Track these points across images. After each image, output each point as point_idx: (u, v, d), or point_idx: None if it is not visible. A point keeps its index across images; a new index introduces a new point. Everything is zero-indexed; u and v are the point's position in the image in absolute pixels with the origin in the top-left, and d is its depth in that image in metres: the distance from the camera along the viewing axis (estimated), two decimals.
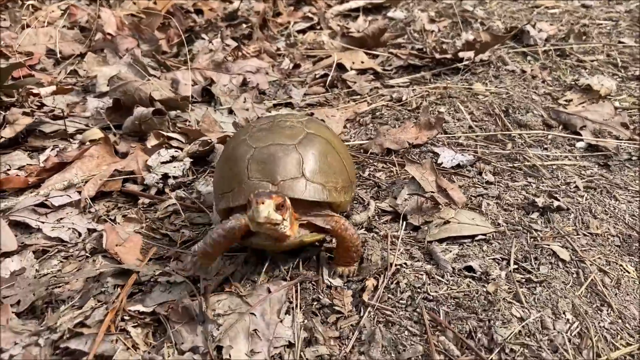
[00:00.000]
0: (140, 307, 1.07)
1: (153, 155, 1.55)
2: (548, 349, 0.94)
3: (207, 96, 2.00)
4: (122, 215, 1.40)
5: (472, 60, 2.20)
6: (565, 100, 1.92)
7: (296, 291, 1.10)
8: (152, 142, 1.61)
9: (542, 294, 1.07)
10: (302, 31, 2.85)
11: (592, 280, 1.11)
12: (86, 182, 1.48)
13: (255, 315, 1.02)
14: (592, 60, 2.31)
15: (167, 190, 1.49)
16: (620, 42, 2.54)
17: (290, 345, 0.98)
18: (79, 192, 1.45)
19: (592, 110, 1.77)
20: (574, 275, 1.13)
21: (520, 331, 0.98)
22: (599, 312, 1.04)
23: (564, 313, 1.03)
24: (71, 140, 1.71)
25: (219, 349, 0.97)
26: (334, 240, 1.14)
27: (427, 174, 1.38)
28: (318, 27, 2.88)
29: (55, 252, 1.31)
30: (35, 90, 1.89)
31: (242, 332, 0.99)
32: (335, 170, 1.16)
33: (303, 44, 2.61)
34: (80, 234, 1.35)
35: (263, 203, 0.95)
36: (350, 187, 1.21)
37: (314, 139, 1.16)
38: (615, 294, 1.09)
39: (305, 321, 1.03)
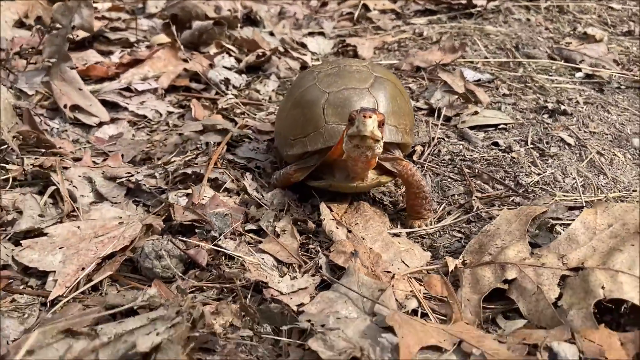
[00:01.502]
0: (233, 157, 1.31)
1: (217, 58, 1.77)
2: (560, 190, 1.23)
3: (248, 22, 2.22)
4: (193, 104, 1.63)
5: (484, 7, 2.46)
6: (566, 43, 2.20)
7: None
8: (213, 49, 1.83)
9: (553, 163, 1.35)
10: None
11: (591, 158, 1.40)
12: (159, 77, 1.70)
13: None
14: (587, 18, 2.59)
15: (227, 89, 1.71)
16: (609, 6, 2.83)
17: None
18: (155, 82, 1.67)
19: (589, 49, 2.06)
20: (578, 154, 1.41)
21: (538, 180, 1.26)
22: (596, 176, 1.33)
23: (570, 173, 1.31)
24: (135, 46, 1.91)
25: None
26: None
27: (457, 80, 1.64)
28: None
29: (142, 126, 1.53)
30: (95, 5, 2.08)
31: None
32: (404, 112, 1.19)
33: None
34: (161, 114, 1.58)
35: (370, 117, 0.95)
36: (414, 128, 1.26)
37: (383, 82, 1.19)
38: (609, 169, 1.38)
39: None
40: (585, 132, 1.53)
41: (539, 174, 1.28)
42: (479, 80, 1.79)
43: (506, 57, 2.03)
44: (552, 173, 1.29)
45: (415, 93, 1.70)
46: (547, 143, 1.44)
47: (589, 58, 2.00)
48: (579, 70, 1.95)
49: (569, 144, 1.45)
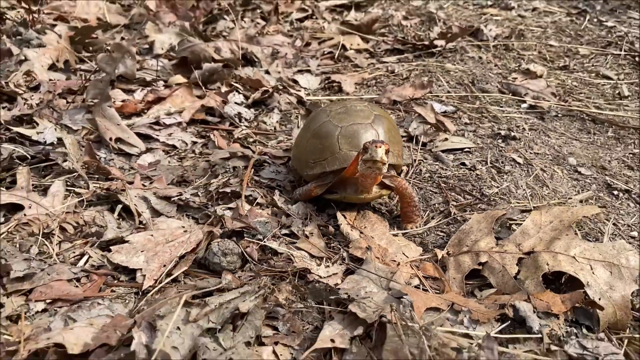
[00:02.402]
0: (259, 178, 1.63)
1: (229, 96, 2.08)
2: (514, 199, 1.61)
3: (245, 61, 2.55)
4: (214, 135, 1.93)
5: (443, 47, 2.88)
6: (512, 78, 2.64)
7: None
8: (224, 88, 2.14)
9: (508, 178, 1.74)
10: (300, 20, 3.45)
11: (536, 174, 1.79)
12: (181, 112, 2.00)
13: None
14: (529, 54, 3.07)
15: (240, 122, 2.03)
16: (548, 44, 3.33)
17: None
18: (179, 116, 1.97)
19: (532, 83, 2.50)
20: (526, 171, 1.80)
21: (497, 192, 1.64)
22: (541, 188, 1.72)
23: (521, 186, 1.69)
24: (154, 85, 2.21)
25: None
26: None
27: (429, 112, 2.02)
28: (313, 17, 3.48)
29: (173, 154, 1.83)
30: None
31: None
32: (396, 141, 1.55)
33: (306, 29, 3.20)
34: (187, 144, 1.88)
35: (380, 147, 1.27)
36: (403, 154, 1.59)
37: (381, 119, 1.53)
38: (550, 182, 1.77)
39: None
40: (530, 153, 1.94)
41: (497, 187, 1.66)
42: (445, 111, 2.18)
43: (464, 91, 2.44)
44: (507, 186, 1.68)
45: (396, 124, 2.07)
46: (502, 162, 1.83)
47: (531, 91, 2.43)
48: (524, 102, 2.38)
49: (519, 163, 1.84)
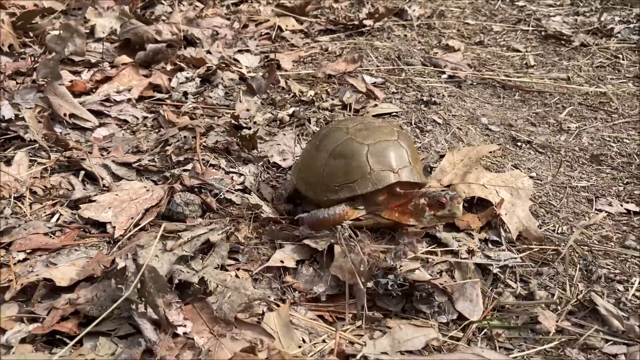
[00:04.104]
0: (207, 145, 1.80)
1: (174, 78, 2.22)
2: (435, 151, 1.87)
3: (186, 43, 2.67)
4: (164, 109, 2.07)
5: (372, 26, 3.12)
6: (433, 53, 2.92)
7: None
8: (169, 66, 2.27)
9: (429, 135, 1.99)
10: (235, 4, 3.58)
11: (453, 131, 2.06)
12: (129, 89, 2.12)
13: None
14: (448, 32, 3.36)
15: (187, 97, 2.18)
16: (465, 22, 3.65)
17: None
18: (128, 93, 2.09)
19: (450, 57, 2.78)
20: (445, 130, 2.07)
21: (420, 146, 1.89)
22: (457, 142, 1.99)
23: (440, 141, 1.95)
24: (100, 65, 2.30)
25: None
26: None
27: (360, 82, 2.25)
28: (248, 1, 3.63)
29: (125, 128, 1.95)
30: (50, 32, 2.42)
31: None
32: (417, 157, 1.46)
33: (243, 12, 3.35)
34: (138, 118, 2.01)
35: (460, 202, 1.24)
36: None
37: (404, 135, 1.46)
38: (465, 137, 2.05)
39: None
40: (449, 115, 2.21)
41: (420, 142, 1.92)
42: (375, 82, 2.42)
43: (392, 65, 2.69)
44: (428, 141, 1.94)
45: (331, 95, 2.28)
46: (424, 123, 2.09)
47: (450, 63, 2.72)
48: (444, 73, 2.65)
49: (439, 123, 2.10)
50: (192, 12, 2.88)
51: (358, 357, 0.99)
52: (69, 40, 1.87)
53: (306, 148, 1.58)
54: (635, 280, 1.26)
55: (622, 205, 1.60)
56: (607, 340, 1.09)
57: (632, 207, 1.61)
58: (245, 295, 1.03)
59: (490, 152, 1.92)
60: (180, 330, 1.02)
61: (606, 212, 1.57)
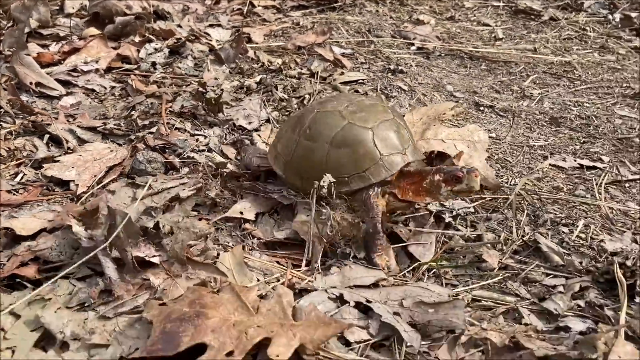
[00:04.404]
0: (172, 110, 1.82)
1: (142, 49, 2.23)
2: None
3: (157, 17, 2.68)
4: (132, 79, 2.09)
5: (344, 2, 3.15)
6: (404, 27, 2.96)
7: None
8: (137, 38, 2.28)
9: (394, 100, 2.03)
10: None
11: (418, 97, 2.11)
12: (97, 60, 2.13)
13: None
14: (421, 8, 3.40)
15: (155, 68, 2.19)
16: (438, 0, 3.68)
17: None
18: (96, 64, 2.10)
19: (419, 29, 2.82)
20: (410, 95, 2.11)
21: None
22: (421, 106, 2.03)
23: (405, 106, 2.00)
24: (69, 39, 2.30)
25: None
26: None
27: (327, 52, 2.28)
28: None
29: (93, 97, 1.97)
30: None
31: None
32: (411, 130, 1.41)
33: None
34: (105, 88, 2.02)
35: (478, 176, 1.16)
36: None
37: (395, 111, 1.42)
38: (429, 103, 2.09)
39: None
40: (415, 83, 2.25)
41: (393, 100, 1.96)
42: (343, 53, 2.45)
43: (362, 37, 2.72)
44: (393, 105, 1.98)
45: (299, 64, 2.31)
46: (390, 90, 2.13)
47: (419, 36, 2.76)
48: (413, 44, 2.69)
49: (404, 90, 2.15)
50: None
51: (307, 288, 1.04)
52: (33, 9, 1.87)
53: (287, 136, 1.40)
54: (580, 223, 1.32)
55: (575, 161, 1.66)
56: (547, 274, 1.15)
57: (586, 162, 1.67)
58: (193, 233, 1.06)
59: (453, 115, 1.97)
60: (155, 260, 1.05)
61: (558, 166, 1.63)
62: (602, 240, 1.23)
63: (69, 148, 1.56)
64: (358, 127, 1.28)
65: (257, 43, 2.56)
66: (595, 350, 0.87)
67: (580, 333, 0.94)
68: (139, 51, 2.24)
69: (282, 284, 1.04)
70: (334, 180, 1.18)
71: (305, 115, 1.38)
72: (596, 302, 1.03)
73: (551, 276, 1.14)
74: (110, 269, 1.03)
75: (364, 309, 1.04)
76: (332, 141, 1.28)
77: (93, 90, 1.99)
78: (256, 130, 1.75)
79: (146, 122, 1.72)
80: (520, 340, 0.92)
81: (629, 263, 1.06)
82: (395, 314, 1.00)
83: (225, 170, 1.44)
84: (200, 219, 1.27)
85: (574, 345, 0.90)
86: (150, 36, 2.35)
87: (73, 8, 2.63)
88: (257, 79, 2.06)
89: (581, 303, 1.05)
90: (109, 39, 2.33)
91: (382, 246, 1.18)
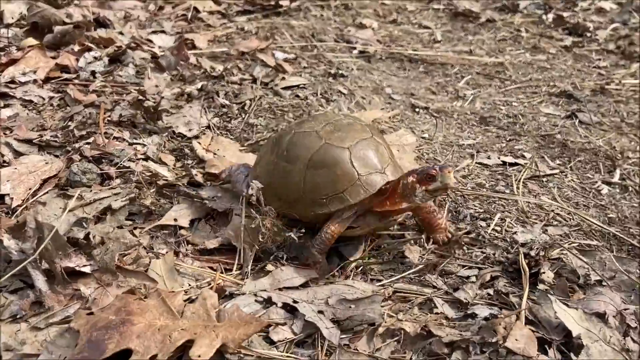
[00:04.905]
0: (111, 119, 1.83)
1: (82, 58, 2.22)
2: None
3: (98, 25, 2.67)
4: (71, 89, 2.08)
5: (289, 7, 3.21)
6: (347, 31, 3.04)
7: None
8: (77, 47, 2.28)
9: (334, 104, 2.10)
10: None
11: (357, 100, 2.18)
12: (35, 71, 2.11)
13: None
14: (365, 12, 3.49)
15: (95, 77, 2.19)
16: (382, 3, 3.79)
17: None
18: (34, 74, 2.08)
19: (361, 33, 2.91)
20: (349, 99, 2.19)
21: (322, 113, 1.99)
22: (360, 110, 2.11)
23: (343, 109, 2.07)
24: (7, 49, 2.27)
25: None
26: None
27: (269, 57, 2.34)
28: None
29: (31, 108, 1.96)
30: None
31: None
32: (391, 149, 1.38)
33: None
34: (44, 98, 2.01)
35: (451, 171, 1.15)
36: None
37: (374, 129, 1.39)
38: (368, 105, 2.17)
39: None
40: (355, 86, 2.33)
41: (324, 110, 2.03)
42: (286, 58, 2.50)
43: (305, 42, 2.79)
44: (331, 109, 2.05)
45: (242, 70, 2.36)
46: (330, 94, 2.20)
47: (361, 40, 2.84)
48: (355, 48, 2.77)
49: (344, 93, 2.22)
50: None
51: (236, 292, 1.09)
52: None
53: (267, 159, 1.38)
54: (496, 217, 1.41)
55: (499, 158, 1.77)
56: (463, 266, 1.24)
57: (509, 159, 1.78)
58: (123, 243, 1.10)
59: (390, 117, 2.05)
60: (86, 270, 1.08)
61: (483, 163, 1.73)
62: (515, 233, 1.33)
63: (4, 161, 1.56)
64: (335, 147, 1.26)
65: (201, 49, 2.59)
66: (495, 334, 0.95)
67: (485, 319, 1.02)
68: (78, 60, 2.23)
69: (211, 288, 1.08)
70: (262, 186, 1.23)
71: (283, 137, 1.37)
72: (503, 290, 1.12)
73: (466, 267, 1.23)
74: (40, 281, 1.05)
75: (291, 309, 1.09)
76: (309, 162, 1.26)
77: (31, 101, 1.98)
78: (196, 137, 1.79)
79: (83, 132, 1.73)
80: (431, 328, 1.00)
81: (532, 253, 1.16)
82: (320, 312, 1.06)
83: (161, 178, 1.47)
84: (135, 228, 1.30)
85: (478, 330, 0.99)
86: (90, 45, 2.35)
87: (12, 18, 2.59)
88: (199, 85, 2.09)
89: (491, 291, 1.14)
90: (49, 49, 2.31)
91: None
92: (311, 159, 1.26)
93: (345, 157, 1.25)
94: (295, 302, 1.09)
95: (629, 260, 1.21)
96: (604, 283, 1.12)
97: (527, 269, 1.13)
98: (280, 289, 1.13)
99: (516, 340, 0.93)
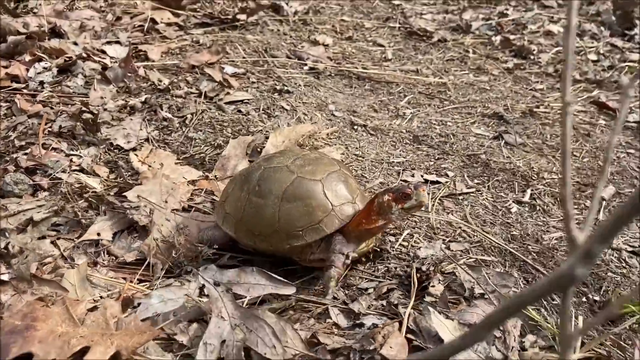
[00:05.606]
0: (52, 129, 1.89)
1: (32, 68, 2.28)
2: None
3: (54, 35, 2.72)
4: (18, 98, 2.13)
5: (245, 20, 3.30)
6: (300, 47, 3.14)
7: None
8: (27, 57, 2.33)
9: (274, 119, 2.19)
10: None
11: (298, 116, 2.28)
12: None
13: None
14: (322, 28, 3.60)
15: (44, 87, 2.25)
16: (341, 19, 3.90)
17: None
18: None
19: (313, 50, 3.01)
20: (291, 116, 2.28)
21: (261, 129, 2.08)
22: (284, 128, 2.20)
23: (284, 125, 2.16)
24: None
25: None
26: None
27: (217, 72, 2.42)
28: None
29: None
30: None
31: None
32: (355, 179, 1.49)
33: (119, 4, 3.41)
34: None
35: (425, 189, 1.24)
36: None
37: (339, 162, 1.49)
38: (310, 121, 2.27)
39: None
40: (299, 102, 2.42)
41: (263, 126, 2.12)
42: (235, 73, 2.59)
43: (257, 57, 2.88)
44: (271, 125, 2.14)
45: (191, 84, 2.43)
46: (272, 109, 2.29)
47: (312, 56, 2.95)
48: (306, 65, 2.88)
49: (286, 109, 2.32)
50: (61, 5, 2.92)
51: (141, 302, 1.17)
52: None
53: (235, 195, 1.40)
54: (404, 233, 1.52)
55: (422, 176, 1.88)
56: (363, 279, 1.33)
57: (432, 177, 1.90)
58: (38, 254, 1.17)
59: (327, 134, 2.15)
60: (4, 277, 1.15)
61: (405, 180, 1.84)
62: (419, 248, 1.44)
63: None
64: (308, 180, 1.32)
65: (153, 61, 2.66)
66: (374, 342, 1.05)
67: (368, 328, 1.12)
68: (28, 70, 2.28)
69: (118, 297, 1.16)
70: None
71: (252, 173, 1.40)
72: (394, 302, 1.22)
73: (366, 280, 1.33)
74: None
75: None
76: (283, 196, 1.31)
77: None
78: (134, 149, 1.86)
79: (23, 142, 1.78)
80: (319, 336, 1.09)
81: (424, 268, 1.26)
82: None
83: (92, 189, 1.54)
84: (58, 239, 1.36)
85: (360, 338, 1.08)
86: (42, 55, 2.40)
87: None
88: (143, 98, 2.17)
89: (384, 303, 1.24)
90: (2, 58, 2.36)
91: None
92: (285, 192, 1.31)
93: (319, 189, 1.32)
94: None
95: (509, 276, 1.32)
96: (485, 296, 1.23)
97: (416, 282, 1.24)
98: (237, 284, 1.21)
99: (390, 347, 1.03)
